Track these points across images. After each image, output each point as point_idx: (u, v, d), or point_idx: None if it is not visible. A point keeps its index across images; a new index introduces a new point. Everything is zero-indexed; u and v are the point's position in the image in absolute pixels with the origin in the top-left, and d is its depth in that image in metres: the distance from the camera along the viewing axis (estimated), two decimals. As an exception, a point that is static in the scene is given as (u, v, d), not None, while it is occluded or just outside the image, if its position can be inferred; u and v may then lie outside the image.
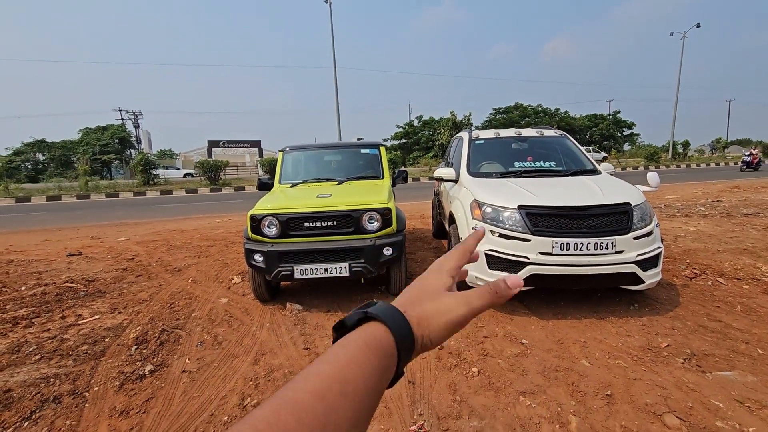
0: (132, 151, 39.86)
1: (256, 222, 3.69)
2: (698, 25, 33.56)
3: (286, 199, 4.07)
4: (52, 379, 2.69)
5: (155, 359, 2.97)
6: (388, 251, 3.68)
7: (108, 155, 38.27)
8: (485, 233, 3.50)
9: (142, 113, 42.39)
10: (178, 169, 38.33)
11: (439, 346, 0.45)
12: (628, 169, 28.16)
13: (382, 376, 0.37)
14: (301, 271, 3.60)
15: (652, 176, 4.48)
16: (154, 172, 23.92)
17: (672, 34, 34.44)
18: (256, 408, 0.31)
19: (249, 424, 0.29)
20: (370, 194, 4.00)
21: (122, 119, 41.65)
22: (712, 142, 51.79)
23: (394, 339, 0.40)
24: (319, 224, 3.69)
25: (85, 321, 3.68)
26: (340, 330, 0.41)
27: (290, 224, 3.68)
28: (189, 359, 2.97)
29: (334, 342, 0.40)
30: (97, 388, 2.61)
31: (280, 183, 4.90)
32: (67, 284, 4.68)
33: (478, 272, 3.52)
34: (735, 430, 2.03)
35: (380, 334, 0.39)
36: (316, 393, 0.32)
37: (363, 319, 0.41)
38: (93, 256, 6.16)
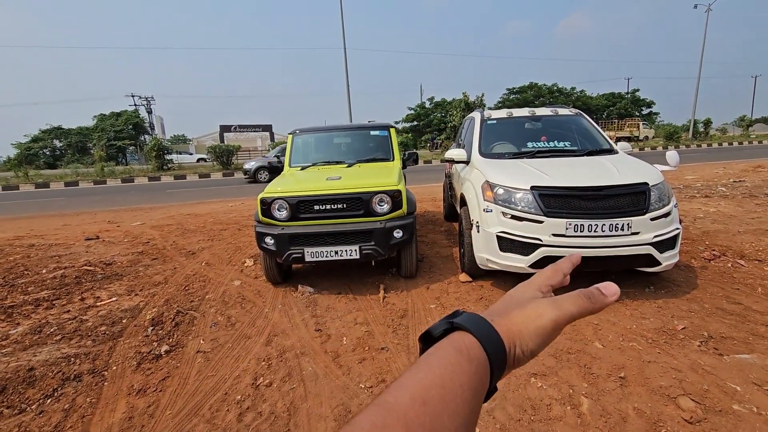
0: (146, 136, 40.27)
1: (267, 205, 3.69)
2: (725, -4, 31.91)
3: (295, 182, 4.06)
4: (72, 359, 2.78)
5: (171, 340, 3.04)
6: (398, 233, 3.66)
7: (122, 141, 38.79)
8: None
9: (154, 99, 42.68)
10: (191, 154, 38.70)
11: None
12: (646, 149, 27.39)
13: (478, 386, 0.35)
14: (312, 253, 3.61)
15: (672, 155, 4.33)
16: (168, 157, 24.18)
17: (696, 6, 32.86)
18: (359, 414, 0.30)
19: (358, 428, 0.28)
20: (380, 176, 3.96)
21: (135, 105, 42.00)
22: (736, 120, 49.86)
23: (484, 348, 0.37)
24: (329, 207, 3.68)
25: (103, 303, 3.78)
26: (426, 341, 0.40)
27: (300, 207, 3.68)
28: (203, 340, 3.03)
29: (421, 353, 0.39)
30: (115, 367, 2.69)
31: (290, 166, 4.88)
32: (85, 267, 4.80)
33: (490, 254, 3.49)
34: (752, 414, 1.99)
35: (469, 343, 0.37)
36: (418, 399, 0.31)
37: (449, 329, 0.39)
38: (110, 240, 6.30)
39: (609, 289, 0.43)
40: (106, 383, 2.53)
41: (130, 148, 39.83)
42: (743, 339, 2.68)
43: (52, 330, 3.21)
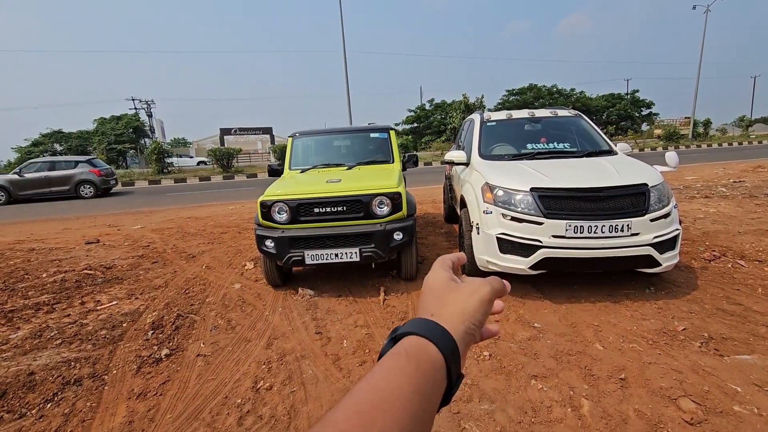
0: (146, 140, 40.32)
1: (267, 208, 3.70)
2: (723, -3, 31.96)
3: (295, 184, 4.06)
4: (72, 363, 2.78)
5: (171, 343, 3.04)
6: (398, 236, 3.66)
7: (123, 144, 38.81)
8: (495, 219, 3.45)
9: (154, 102, 42.72)
10: (191, 157, 38.74)
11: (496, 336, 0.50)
12: (646, 150, 27.41)
13: (422, 382, 0.36)
14: (312, 256, 3.62)
15: (671, 156, 4.33)
16: (168, 160, 24.19)
17: (695, 7, 32.92)
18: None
19: None
20: (380, 179, 3.96)
21: (135, 108, 42.07)
22: (736, 120, 49.89)
23: (432, 342, 0.39)
24: (329, 209, 3.68)
25: (103, 306, 3.78)
26: None
27: (300, 210, 3.68)
28: (203, 343, 3.03)
29: None
30: (115, 371, 2.69)
31: (290, 169, 4.89)
32: (85, 271, 4.80)
33: (490, 256, 3.49)
34: (753, 415, 1.99)
35: (408, 344, 0.39)
36: (351, 409, 0.32)
37: (395, 339, 0.41)
38: (110, 244, 6.30)
39: (507, 283, 0.51)
40: (106, 387, 2.53)
41: (131, 151, 39.88)
42: (744, 340, 2.67)
43: (52, 334, 3.21)
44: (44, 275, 4.73)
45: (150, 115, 42.59)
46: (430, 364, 0.37)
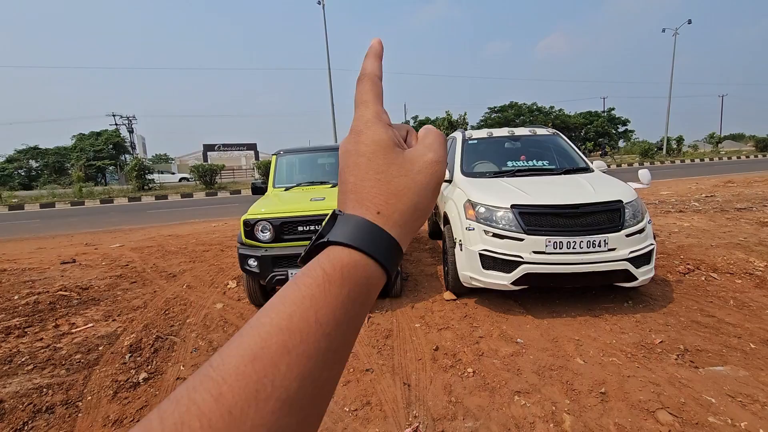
0: (126, 156, 39.68)
1: (250, 227, 3.68)
2: (689, 22, 33.81)
3: (279, 203, 4.06)
4: (44, 389, 2.67)
5: (149, 367, 2.96)
6: (382, 253, 3.67)
7: (102, 161, 38.10)
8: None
9: (136, 118, 42.28)
10: (173, 173, 38.25)
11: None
12: (623, 165, 28.29)
13: (351, 308, 0.29)
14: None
15: (644, 173, 4.50)
16: (149, 177, 23.84)
17: (664, 30, 34.68)
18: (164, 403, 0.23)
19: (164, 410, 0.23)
20: (364, 196, 3.99)
21: (116, 124, 41.48)
22: (706, 137, 52.09)
23: (379, 264, 0.31)
24: (313, 228, 3.68)
25: (78, 329, 3.66)
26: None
27: (284, 228, 3.67)
28: (184, 366, 2.96)
29: None
30: (90, 398, 2.60)
31: (273, 187, 4.89)
32: (60, 292, 4.65)
33: (473, 272, 3.53)
34: (727, 425, 2.04)
35: (355, 263, 0.30)
36: (248, 356, 0.25)
37: (321, 245, 0.32)
38: (87, 264, 6.13)
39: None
40: (80, 414, 2.43)
41: (110, 168, 39.12)
42: (717, 351, 2.76)
43: (23, 359, 3.09)
44: (16, 297, 4.56)
45: (131, 131, 42.05)
46: (367, 288, 0.30)
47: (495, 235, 3.43)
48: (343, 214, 0.33)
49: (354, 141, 0.35)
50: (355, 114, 0.36)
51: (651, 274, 3.45)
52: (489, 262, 3.45)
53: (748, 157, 33.94)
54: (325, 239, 0.32)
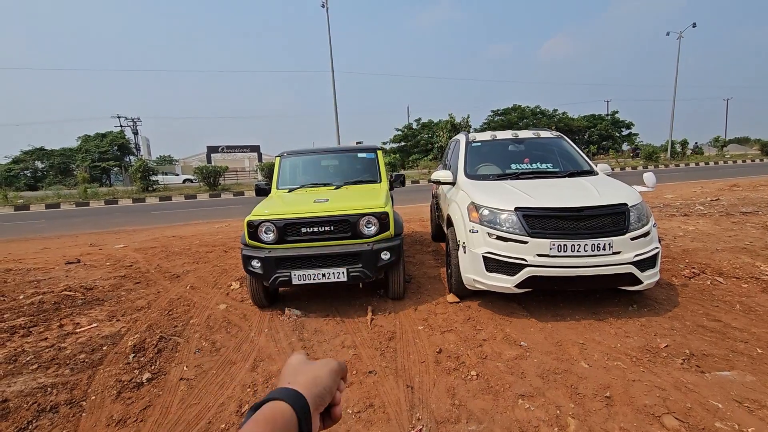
0: (131, 157, 39.86)
1: (253, 228, 3.68)
2: (694, 25, 33.67)
3: (283, 204, 4.07)
4: (49, 389, 2.68)
5: (153, 367, 2.96)
6: (385, 255, 3.68)
7: (107, 162, 38.27)
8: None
9: (141, 120, 42.43)
10: (177, 175, 38.37)
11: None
12: (627, 168, 28.18)
13: None
14: (299, 276, 3.60)
15: (649, 176, 4.48)
16: (153, 178, 23.92)
17: (668, 33, 34.55)
18: None
19: None
20: (368, 199, 4.00)
21: (121, 126, 41.70)
22: (711, 140, 51.83)
23: (287, 402, 0.47)
24: (316, 229, 3.69)
25: (82, 329, 3.68)
26: None
27: (287, 230, 3.68)
28: (187, 366, 2.96)
29: None
30: (94, 397, 2.61)
31: (277, 188, 4.90)
32: (65, 292, 4.67)
33: (477, 275, 3.52)
34: (734, 431, 2.02)
35: (273, 406, 0.46)
36: None
37: (256, 407, 0.47)
38: (91, 264, 6.16)
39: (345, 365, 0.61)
40: (84, 414, 2.44)
41: (115, 169, 39.31)
42: (723, 356, 2.73)
43: (28, 359, 3.10)
44: (21, 297, 4.58)
45: (136, 133, 42.25)
46: (283, 422, 0.44)
47: (499, 238, 3.42)
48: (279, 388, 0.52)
49: (287, 361, 0.60)
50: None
51: (656, 278, 3.43)
52: (493, 264, 3.44)
53: (753, 160, 33.73)
54: (258, 402, 0.47)
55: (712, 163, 31.64)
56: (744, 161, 33.13)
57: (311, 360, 0.59)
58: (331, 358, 0.70)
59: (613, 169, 4.83)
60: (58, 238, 9.07)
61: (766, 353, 2.74)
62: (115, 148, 39.47)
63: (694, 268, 4.50)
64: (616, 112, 52.83)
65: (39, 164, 40.72)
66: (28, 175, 40.47)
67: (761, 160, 34.39)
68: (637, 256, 3.28)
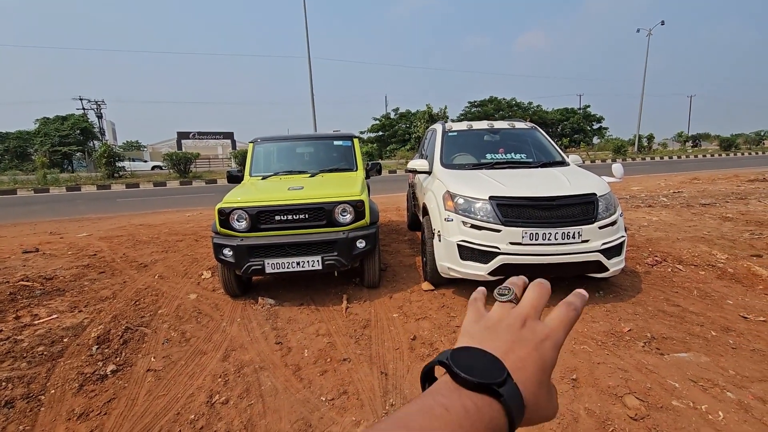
0: (95, 142, 37.96)
1: (225, 215, 3.58)
2: (662, 23, 34.81)
3: (256, 191, 3.97)
4: (3, 383, 2.54)
5: (118, 359, 2.85)
6: (361, 244, 3.66)
7: (68, 147, 36.30)
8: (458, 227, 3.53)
9: (105, 103, 40.46)
10: (145, 161, 36.92)
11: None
12: (596, 161, 29.09)
13: None
14: (273, 265, 3.53)
15: (617, 168, 4.63)
16: (120, 164, 22.92)
17: (638, 30, 35.59)
18: None
19: None
20: (343, 186, 3.95)
21: (84, 109, 39.60)
22: (675, 135, 54.12)
23: (504, 410, 0.32)
24: (290, 217, 3.62)
25: (41, 321, 3.50)
26: (428, 378, 0.35)
27: (260, 217, 3.59)
28: (154, 357, 2.87)
29: (423, 390, 0.34)
30: (53, 391, 2.49)
31: (250, 175, 4.77)
32: (22, 282, 4.42)
33: (451, 263, 3.55)
34: (689, 408, 2.14)
35: (485, 405, 0.32)
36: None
37: (455, 376, 0.34)
38: (52, 253, 5.85)
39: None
40: (42, 408, 2.33)
41: (78, 154, 37.37)
42: (681, 339, 2.88)
43: (-20, 352, 2.93)
44: (-27, 288, 4.31)
45: (100, 117, 40.26)
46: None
47: (473, 226, 3.46)
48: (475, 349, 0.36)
49: (498, 313, 0.42)
50: (531, 304, 0.43)
51: (621, 266, 3.56)
52: (467, 252, 3.48)
53: (713, 155, 35.51)
54: (471, 378, 0.33)
55: (675, 158, 33.10)
56: (704, 156, 34.85)
57: (520, 325, 0.39)
58: (555, 316, 0.40)
59: (583, 161, 4.96)
60: (15, 226, 8.57)
61: (720, 336, 2.90)
62: (78, 132, 37.42)
63: (656, 256, 4.70)
64: (588, 106, 54.33)
65: (-7, 148, 38.23)
66: (-20, 159, 37.97)
67: (719, 155, 36.25)
68: (604, 244, 3.39)
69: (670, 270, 4.29)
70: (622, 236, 3.56)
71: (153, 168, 32.25)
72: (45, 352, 2.94)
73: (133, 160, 33.00)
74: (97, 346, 3.00)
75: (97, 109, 40.02)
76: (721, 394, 2.24)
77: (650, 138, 39.57)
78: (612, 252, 3.47)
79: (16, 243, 6.63)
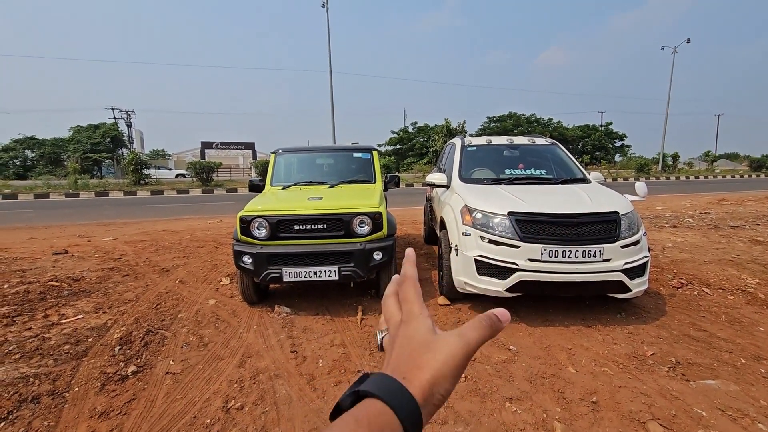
0: (124, 150, 39.39)
1: (246, 223, 3.66)
2: (688, 41, 34.23)
3: (276, 201, 4.05)
4: (31, 379, 2.63)
5: (139, 360, 2.92)
6: (378, 255, 3.67)
7: (99, 154, 37.78)
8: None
9: (135, 112, 42.04)
10: (170, 169, 38.04)
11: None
12: (618, 179, 28.50)
13: None
14: (290, 273, 3.58)
15: (640, 186, 4.54)
16: (146, 171, 23.70)
17: (663, 48, 35.10)
18: None
19: None
20: (362, 198, 4.00)
21: (115, 118, 41.26)
22: (701, 155, 52.66)
23: (398, 417, 0.35)
24: (309, 227, 3.67)
25: (68, 320, 3.62)
26: (336, 417, 0.37)
27: (280, 226, 3.66)
28: (173, 360, 2.93)
29: None
30: (77, 389, 2.56)
31: (271, 185, 4.88)
32: (51, 283, 4.60)
33: (468, 278, 3.53)
34: (717, 439, 2.05)
35: (374, 410, 0.35)
36: None
37: (357, 399, 0.37)
38: (79, 255, 6.07)
39: (504, 315, 0.43)
40: (66, 405, 2.40)
41: (107, 161, 38.83)
42: (708, 365, 2.77)
43: (10, 348, 3.04)
44: (6, 286, 4.50)
45: (129, 125, 41.82)
46: None
47: (491, 242, 3.44)
48: (375, 374, 0.39)
49: (404, 327, 0.44)
50: (404, 308, 0.46)
51: (645, 287, 3.47)
52: (484, 268, 3.45)
53: (742, 176, 34.32)
54: (358, 390, 0.37)
55: (702, 177, 32.13)
56: (733, 176, 33.71)
57: (436, 331, 0.43)
58: (456, 337, 0.41)
59: (605, 179, 4.89)
60: (46, 229, 8.93)
61: (750, 364, 2.78)
62: (108, 140, 38.97)
63: (682, 278, 4.56)
64: (610, 123, 53.57)
65: (29, 153, 40.12)
66: (18, 164, 39.85)
67: (750, 176, 35.02)
68: (626, 264, 3.32)
69: (696, 293, 4.14)
70: (646, 256, 3.47)
71: (177, 176, 33.20)
72: (70, 351, 3.04)
73: (159, 168, 34.08)
74: (119, 347, 3.08)
75: (127, 118, 41.63)
76: (752, 426, 2.14)
77: (675, 157, 38.58)
78: (635, 272, 3.38)
79: (47, 245, 6.90)
